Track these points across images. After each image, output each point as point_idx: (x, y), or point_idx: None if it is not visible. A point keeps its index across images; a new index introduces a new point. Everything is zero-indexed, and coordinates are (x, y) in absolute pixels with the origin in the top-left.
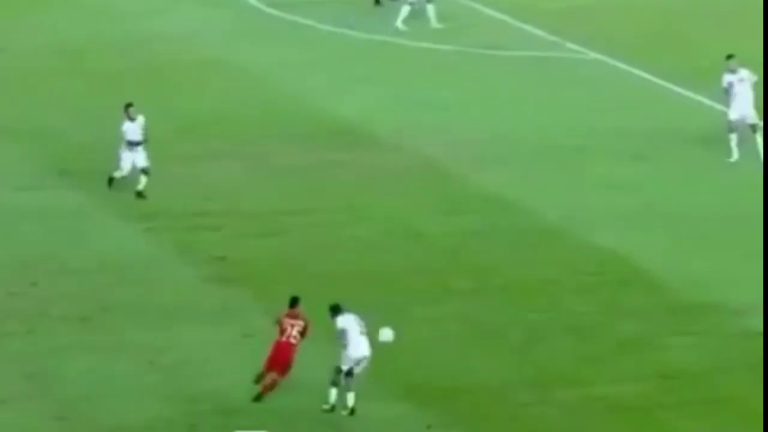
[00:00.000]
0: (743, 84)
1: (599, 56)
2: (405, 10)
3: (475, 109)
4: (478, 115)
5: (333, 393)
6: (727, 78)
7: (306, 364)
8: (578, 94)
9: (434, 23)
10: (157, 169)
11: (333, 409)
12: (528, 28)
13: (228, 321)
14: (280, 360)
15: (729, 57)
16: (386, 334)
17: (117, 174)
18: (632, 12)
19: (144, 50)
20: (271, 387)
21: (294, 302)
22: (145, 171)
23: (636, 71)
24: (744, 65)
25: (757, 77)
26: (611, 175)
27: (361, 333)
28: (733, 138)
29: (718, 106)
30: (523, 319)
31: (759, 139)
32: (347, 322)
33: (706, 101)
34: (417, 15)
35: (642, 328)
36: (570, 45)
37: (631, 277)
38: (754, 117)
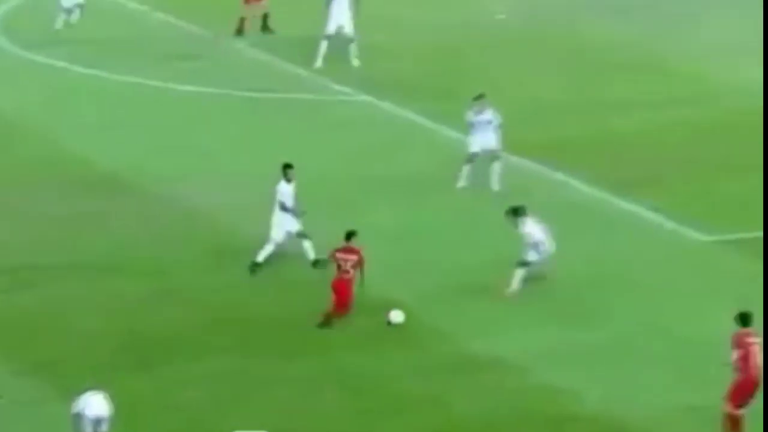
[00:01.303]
0: (490, 123)
1: (367, 98)
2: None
3: (237, 154)
4: (244, 160)
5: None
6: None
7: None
8: (347, 136)
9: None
10: None
11: None
12: (297, 70)
13: None
14: (340, 300)
15: (477, 98)
16: (397, 316)
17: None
18: (406, 52)
19: None
20: (331, 317)
21: (349, 236)
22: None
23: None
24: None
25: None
26: (380, 222)
27: None
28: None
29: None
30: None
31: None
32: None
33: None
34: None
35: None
36: (337, 87)
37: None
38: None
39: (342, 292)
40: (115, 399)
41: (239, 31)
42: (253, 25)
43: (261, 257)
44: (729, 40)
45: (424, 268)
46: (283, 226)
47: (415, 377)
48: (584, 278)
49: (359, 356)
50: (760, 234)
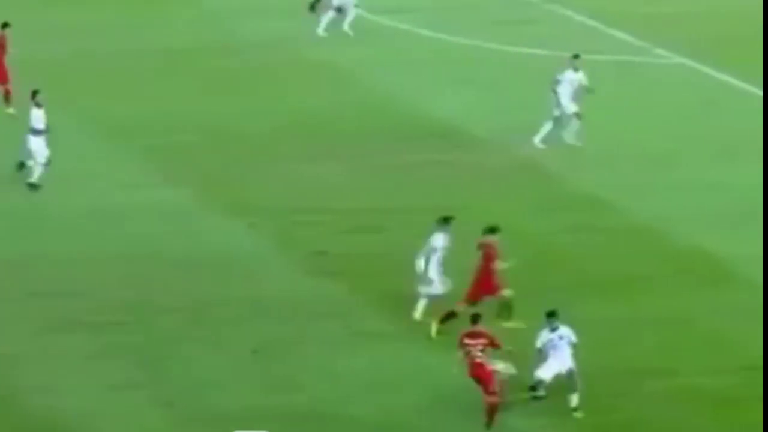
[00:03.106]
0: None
1: (685, 60)
2: (327, 17)
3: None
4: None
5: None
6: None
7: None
8: (667, 98)
9: (322, 31)
10: (258, 168)
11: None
12: (618, 34)
13: (328, 313)
14: (479, 378)
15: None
16: (508, 368)
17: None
18: (718, 17)
19: (249, 52)
20: (494, 408)
21: (475, 319)
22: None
23: (720, 75)
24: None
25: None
26: (702, 176)
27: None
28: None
29: None
30: (614, 312)
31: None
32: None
33: None
34: (520, 20)
35: (728, 324)
36: (657, 50)
37: (721, 276)
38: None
39: (478, 372)
40: None
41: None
42: None
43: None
44: None
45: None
46: None
47: None
48: None
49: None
50: None
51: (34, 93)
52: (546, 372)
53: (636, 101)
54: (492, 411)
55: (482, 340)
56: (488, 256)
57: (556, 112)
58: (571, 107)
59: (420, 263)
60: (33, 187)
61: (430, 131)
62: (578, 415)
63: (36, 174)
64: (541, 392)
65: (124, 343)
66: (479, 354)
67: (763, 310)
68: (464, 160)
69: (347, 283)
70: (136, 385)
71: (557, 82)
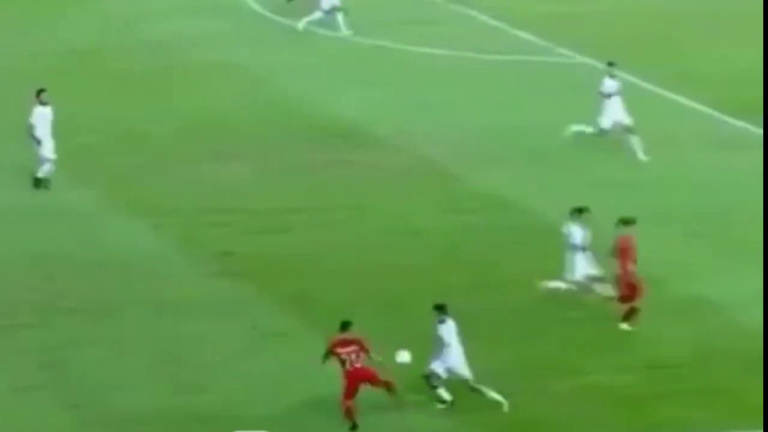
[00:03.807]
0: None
1: (588, 60)
2: (316, 15)
3: (472, 110)
4: (476, 116)
5: (442, 391)
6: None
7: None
8: (569, 96)
9: (345, 30)
10: (163, 169)
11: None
12: (522, 34)
13: (234, 314)
14: (365, 378)
15: (610, 64)
16: (403, 356)
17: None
18: (622, 18)
19: (152, 53)
20: (385, 385)
21: (345, 326)
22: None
23: (625, 75)
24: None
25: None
26: (602, 174)
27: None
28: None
29: (707, 110)
30: (520, 313)
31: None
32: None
33: (697, 106)
34: (421, 20)
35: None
36: (561, 50)
37: None
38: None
39: (363, 375)
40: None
41: None
42: None
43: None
44: None
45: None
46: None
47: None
48: None
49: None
50: None
51: (39, 92)
52: (439, 365)
53: (537, 100)
54: (391, 387)
55: (354, 347)
56: (623, 251)
57: (604, 124)
58: (625, 120)
59: (581, 271)
60: (40, 182)
61: (333, 131)
62: (504, 407)
63: (46, 169)
64: (436, 383)
65: (28, 344)
66: (354, 359)
67: (763, 308)
68: (368, 159)
69: (254, 284)
70: (40, 386)
71: (603, 94)
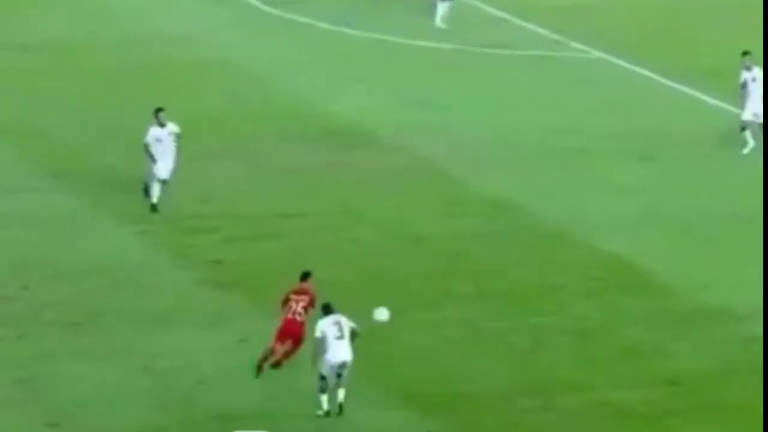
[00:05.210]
0: (756, 83)
1: (603, 55)
2: (442, 7)
3: (476, 108)
4: (480, 115)
5: (324, 399)
6: (743, 75)
7: (302, 368)
8: (581, 93)
9: (439, 23)
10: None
11: (327, 414)
12: (530, 26)
13: (223, 325)
14: (291, 334)
15: (744, 53)
16: (382, 314)
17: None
18: (635, 10)
19: (141, 49)
20: (286, 356)
21: (304, 277)
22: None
23: (639, 70)
24: (757, 63)
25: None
26: (615, 177)
27: (338, 338)
28: (747, 134)
29: (723, 105)
30: (526, 323)
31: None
32: (326, 327)
33: (711, 100)
34: (424, 12)
35: (646, 334)
36: (573, 44)
37: (635, 281)
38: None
39: (293, 330)
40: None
41: None
42: None
43: None
44: None
45: (661, 221)
46: None
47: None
48: None
49: (589, 306)
50: None
51: (158, 111)
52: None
53: (548, 97)
54: (286, 356)
55: (305, 298)
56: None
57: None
58: (746, 113)
59: None
60: (154, 207)
61: (331, 130)
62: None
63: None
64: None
65: (7, 357)
66: (300, 311)
67: (764, 315)
68: (366, 160)
69: (244, 294)
70: (18, 402)
71: (743, 85)
